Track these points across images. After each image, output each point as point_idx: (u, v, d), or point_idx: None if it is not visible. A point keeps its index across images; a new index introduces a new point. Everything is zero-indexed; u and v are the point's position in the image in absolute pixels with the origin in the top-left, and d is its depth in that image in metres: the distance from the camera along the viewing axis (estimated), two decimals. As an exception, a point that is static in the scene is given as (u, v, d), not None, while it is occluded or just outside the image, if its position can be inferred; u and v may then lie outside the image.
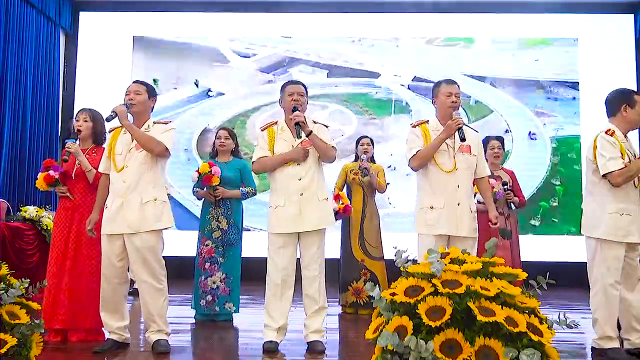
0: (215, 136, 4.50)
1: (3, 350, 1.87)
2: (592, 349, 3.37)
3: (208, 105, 7.24)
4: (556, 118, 7.36)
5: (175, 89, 7.16)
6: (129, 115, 3.30)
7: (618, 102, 3.35)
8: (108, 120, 3.27)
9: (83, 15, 7.74)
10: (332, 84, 7.26)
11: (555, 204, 7.21)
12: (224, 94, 7.19)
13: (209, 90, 7.16)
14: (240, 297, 4.40)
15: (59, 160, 3.65)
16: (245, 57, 7.22)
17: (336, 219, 4.14)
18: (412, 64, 7.40)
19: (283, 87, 3.53)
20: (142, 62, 7.28)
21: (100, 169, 3.39)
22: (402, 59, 7.41)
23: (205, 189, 4.27)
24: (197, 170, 4.24)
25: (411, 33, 7.50)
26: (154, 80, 7.14)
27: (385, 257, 4.79)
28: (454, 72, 7.28)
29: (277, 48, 7.28)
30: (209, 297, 4.25)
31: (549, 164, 7.24)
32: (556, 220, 7.15)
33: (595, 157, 3.28)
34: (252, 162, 3.49)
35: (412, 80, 7.34)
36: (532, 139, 7.24)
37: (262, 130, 3.53)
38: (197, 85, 7.08)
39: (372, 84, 7.34)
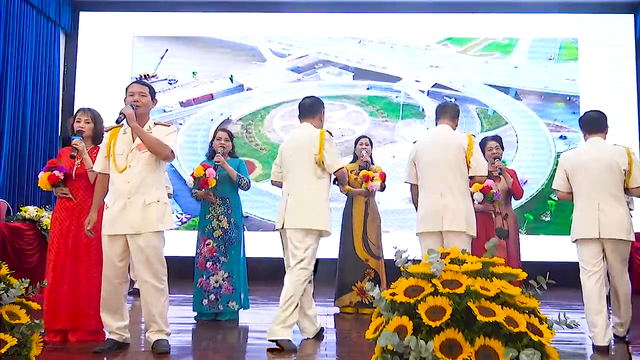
0: (215, 137, 4.49)
1: (3, 350, 1.87)
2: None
3: (234, 98, 7.41)
4: (575, 133, 7.28)
5: (212, 82, 7.37)
6: None
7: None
8: (117, 122, 3.23)
9: (83, 15, 7.74)
10: (354, 85, 7.43)
11: (548, 218, 7.20)
12: (251, 89, 7.40)
13: (241, 85, 7.38)
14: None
15: (58, 159, 3.65)
16: (281, 56, 7.44)
17: (383, 190, 4.82)
18: (436, 70, 7.47)
19: (322, 105, 3.76)
20: (180, 57, 7.43)
21: (97, 169, 3.35)
22: (427, 65, 7.50)
23: (203, 190, 4.28)
24: (192, 175, 4.27)
25: (439, 38, 7.58)
26: (193, 73, 7.27)
27: (385, 257, 4.79)
28: (477, 80, 7.33)
29: (309, 50, 7.48)
30: (212, 297, 4.26)
31: (547, 177, 7.20)
32: (541, 236, 7.13)
33: (631, 168, 3.56)
34: (340, 169, 3.51)
35: (433, 86, 7.42)
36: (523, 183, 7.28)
37: (331, 136, 3.61)
38: (231, 81, 7.29)
39: (391, 87, 7.43)
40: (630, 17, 7.56)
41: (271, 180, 3.82)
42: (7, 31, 6.32)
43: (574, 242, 3.66)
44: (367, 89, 7.39)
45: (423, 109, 7.37)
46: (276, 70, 7.41)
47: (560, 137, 7.33)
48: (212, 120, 7.33)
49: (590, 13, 7.60)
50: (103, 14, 7.73)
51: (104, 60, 7.60)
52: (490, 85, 7.44)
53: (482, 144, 4.70)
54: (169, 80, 7.14)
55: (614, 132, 7.19)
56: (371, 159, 4.97)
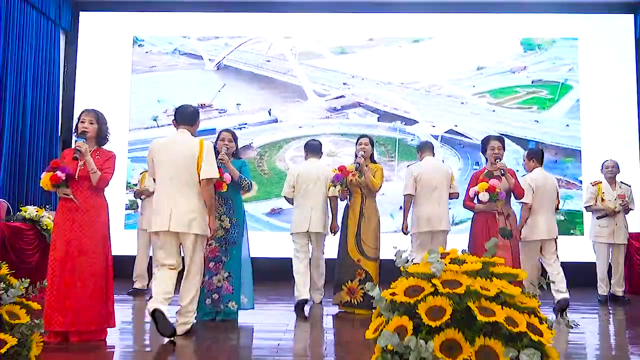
0: (218, 137, 4.48)
1: (3, 350, 1.87)
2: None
3: (263, 127, 7.71)
4: (579, 190, 7.26)
5: (252, 114, 7.76)
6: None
7: None
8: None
9: (83, 15, 7.74)
10: (376, 126, 7.65)
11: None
12: (282, 121, 7.73)
13: (276, 118, 7.73)
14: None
15: (61, 159, 3.64)
16: (321, 96, 7.75)
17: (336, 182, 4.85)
18: (454, 117, 7.58)
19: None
20: (233, 89, 7.76)
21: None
22: (449, 112, 7.61)
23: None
24: None
25: (475, 90, 7.66)
26: (237, 105, 7.69)
27: (383, 258, 4.80)
28: (494, 130, 7.24)
29: (346, 91, 7.76)
30: (215, 296, 4.26)
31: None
32: None
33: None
34: (334, 196, 4.98)
35: (446, 132, 7.56)
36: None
37: None
38: (269, 114, 7.70)
39: (405, 130, 7.60)
40: (630, 17, 7.57)
41: (285, 196, 5.12)
42: (7, 31, 6.32)
43: (529, 240, 5.02)
44: (392, 129, 7.63)
45: None
46: (312, 109, 7.72)
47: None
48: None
49: (590, 13, 7.60)
50: (103, 14, 7.73)
51: (104, 60, 7.61)
52: (506, 135, 7.22)
53: (485, 142, 4.71)
54: (219, 110, 7.67)
55: (614, 132, 7.31)
56: (372, 158, 4.97)
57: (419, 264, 1.72)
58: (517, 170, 5.11)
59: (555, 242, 5.10)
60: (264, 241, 6.83)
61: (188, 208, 3.58)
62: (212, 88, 7.71)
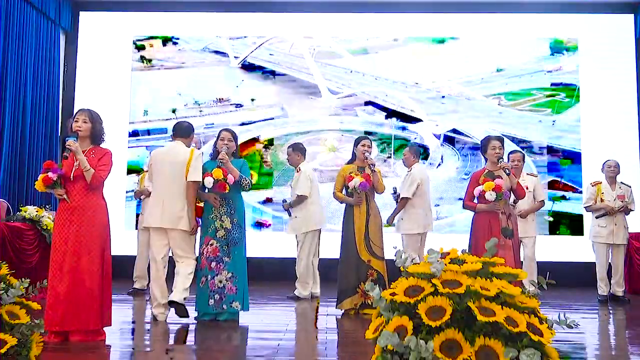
0: (218, 137, 4.48)
1: (3, 350, 1.87)
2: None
3: (273, 122, 7.81)
4: (576, 193, 7.27)
5: (266, 109, 7.87)
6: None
7: None
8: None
9: (83, 15, 7.74)
10: (382, 124, 7.71)
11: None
12: (293, 116, 7.81)
13: (287, 114, 7.82)
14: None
15: (60, 159, 3.64)
16: (335, 94, 7.84)
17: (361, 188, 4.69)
18: (459, 117, 7.59)
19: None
20: (250, 85, 7.85)
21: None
22: (456, 112, 7.63)
23: (209, 191, 4.29)
24: (211, 175, 4.21)
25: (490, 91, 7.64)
26: (252, 100, 7.77)
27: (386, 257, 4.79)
28: (498, 131, 7.19)
29: (356, 89, 7.82)
30: (217, 296, 4.25)
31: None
32: (540, 236, 7.04)
33: None
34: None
35: (449, 131, 7.59)
36: None
37: None
38: (282, 110, 7.82)
39: (407, 127, 7.64)
40: (630, 17, 7.56)
41: (305, 195, 5.41)
42: (7, 31, 6.32)
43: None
44: (396, 127, 7.68)
45: (428, 152, 7.51)
46: (325, 105, 7.80)
47: (549, 198, 7.24)
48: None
49: (590, 13, 7.59)
50: (103, 14, 7.73)
51: (104, 60, 7.61)
52: (508, 136, 7.22)
53: (486, 142, 4.65)
54: (236, 104, 7.80)
55: (614, 132, 7.31)
56: None
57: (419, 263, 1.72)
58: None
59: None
60: (263, 241, 6.84)
61: (177, 208, 4.13)
62: (234, 84, 7.87)
